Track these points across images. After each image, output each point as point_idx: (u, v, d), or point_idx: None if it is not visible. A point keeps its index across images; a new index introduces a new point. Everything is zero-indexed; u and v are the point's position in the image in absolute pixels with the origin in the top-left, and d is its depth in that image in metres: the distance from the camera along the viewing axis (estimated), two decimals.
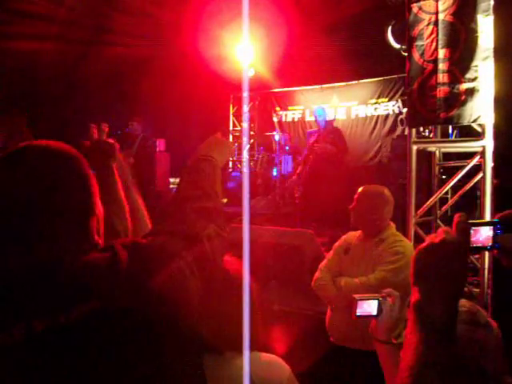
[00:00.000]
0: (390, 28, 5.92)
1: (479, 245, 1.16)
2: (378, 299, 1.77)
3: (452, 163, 5.35)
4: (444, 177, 5.81)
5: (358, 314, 1.78)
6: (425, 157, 5.57)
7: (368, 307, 1.77)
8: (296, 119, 11.71)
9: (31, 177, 1.14)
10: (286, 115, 11.90)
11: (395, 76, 9.92)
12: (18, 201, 1.13)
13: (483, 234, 1.16)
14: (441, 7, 4.25)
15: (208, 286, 1.22)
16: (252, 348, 1.55)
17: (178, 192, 1.40)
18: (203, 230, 1.26)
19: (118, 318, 1.07)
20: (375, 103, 10.57)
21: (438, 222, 4.99)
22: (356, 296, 1.79)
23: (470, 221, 1.11)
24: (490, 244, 1.16)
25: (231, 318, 1.55)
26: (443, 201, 5.28)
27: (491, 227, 1.16)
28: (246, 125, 12.24)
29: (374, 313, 1.77)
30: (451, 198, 5.40)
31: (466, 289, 4.33)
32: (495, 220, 1.18)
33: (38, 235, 1.12)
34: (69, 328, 1.04)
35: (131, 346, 1.07)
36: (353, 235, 3.35)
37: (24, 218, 1.12)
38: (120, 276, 1.09)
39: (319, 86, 11.36)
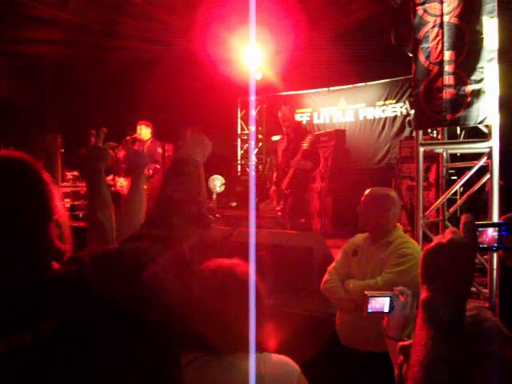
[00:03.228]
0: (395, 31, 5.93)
1: (485, 245, 1.20)
2: (389, 296, 1.78)
3: (459, 164, 5.36)
4: (453, 178, 5.82)
5: (369, 310, 1.79)
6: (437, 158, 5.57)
7: (380, 304, 1.78)
8: (304, 122, 11.74)
9: None
10: None
11: (402, 77, 9.94)
12: None
13: (489, 235, 1.19)
14: (446, 9, 4.26)
15: (187, 288, 1.23)
16: (258, 348, 1.57)
17: (163, 196, 1.39)
18: (184, 234, 1.26)
19: (84, 330, 1.05)
20: (383, 105, 10.58)
21: (447, 223, 5.00)
22: (367, 293, 1.79)
23: (477, 222, 1.15)
24: (495, 245, 1.19)
25: (236, 320, 1.58)
26: (453, 202, 5.28)
27: (496, 228, 1.19)
28: (253, 128, 12.27)
29: (386, 310, 1.77)
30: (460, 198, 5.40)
31: (474, 289, 4.33)
32: (500, 221, 1.21)
33: None
34: (35, 347, 1.00)
35: (101, 357, 1.05)
36: (360, 237, 3.37)
37: None
38: (85, 290, 1.08)
39: (327, 89, 11.39)
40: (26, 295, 1.05)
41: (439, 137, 5.43)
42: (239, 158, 12.95)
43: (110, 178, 7.86)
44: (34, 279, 1.08)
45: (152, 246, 1.19)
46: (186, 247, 1.24)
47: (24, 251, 1.11)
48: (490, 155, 4.22)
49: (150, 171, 7.33)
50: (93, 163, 1.96)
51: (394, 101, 10.39)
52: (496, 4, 4.07)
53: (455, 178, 5.90)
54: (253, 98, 12.16)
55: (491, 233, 1.19)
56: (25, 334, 1.00)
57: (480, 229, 1.18)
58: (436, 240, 1.12)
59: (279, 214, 6.94)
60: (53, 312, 1.03)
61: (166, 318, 1.17)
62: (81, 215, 8.84)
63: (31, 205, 1.16)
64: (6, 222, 1.11)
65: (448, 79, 4.25)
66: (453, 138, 6.16)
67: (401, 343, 1.48)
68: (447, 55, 4.26)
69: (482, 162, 4.34)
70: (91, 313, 1.06)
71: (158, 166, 7.56)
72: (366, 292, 1.79)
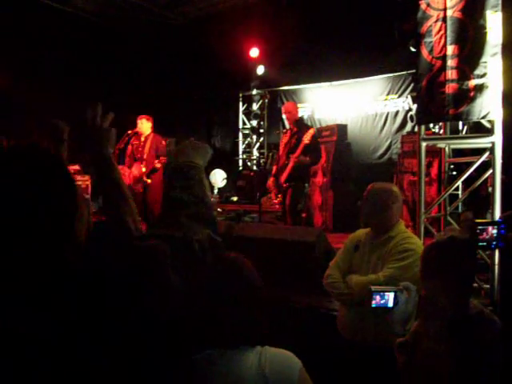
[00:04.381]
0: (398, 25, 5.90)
1: (484, 243, 1.20)
2: (394, 291, 1.78)
3: (460, 159, 5.35)
4: (455, 173, 5.81)
5: (373, 305, 1.78)
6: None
7: (384, 299, 1.78)
8: (306, 116, 11.71)
9: (13, 183, 1.11)
10: None
11: (405, 72, 9.90)
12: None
13: (489, 233, 1.19)
14: (449, 3, 4.25)
15: (193, 284, 1.25)
16: (260, 342, 1.57)
17: (170, 197, 1.42)
18: (194, 234, 1.30)
19: (100, 326, 1.06)
20: (385, 100, 10.55)
21: (448, 218, 4.99)
22: (372, 287, 1.79)
23: (477, 220, 1.15)
24: (493, 243, 1.20)
25: (237, 312, 1.57)
26: (455, 197, 5.27)
27: (495, 226, 1.19)
28: (254, 123, 12.26)
29: (390, 304, 1.77)
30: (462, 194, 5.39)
31: (476, 285, 4.33)
32: (499, 220, 1.22)
33: (21, 244, 1.09)
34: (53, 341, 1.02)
35: (114, 353, 1.07)
36: (362, 232, 3.36)
37: (7, 226, 1.09)
38: (103, 287, 1.09)
39: (329, 83, 11.35)
40: (48, 289, 1.06)
41: (441, 132, 5.42)
42: (241, 152, 12.95)
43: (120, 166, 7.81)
44: (55, 274, 1.09)
45: (162, 244, 1.21)
46: (196, 245, 1.26)
47: (47, 246, 1.11)
48: (492, 150, 4.21)
49: (159, 165, 7.32)
50: (96, 149, 1.63)
51: (396, 95, 10.36)
52: None
53: (455, 173, 5.89)
54: (254, 92, 12.15)
55: (491, 230, 1.20)
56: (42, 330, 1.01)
57: (480, 227, 1.18)
58: (436, 237, 1.13)
59: (277, 206, 6.96)
60: (72, 307, 1.04)
61: (176, 315, 1.19)
62: None
63: (64, 205, 1.16)
64: (39, 223, 1.11)
65: (451, 74, 4.24)
66: (455, 133, 6.14)
67: (398, 340, 1.48)
68: (450, 50, 4.24)
69: (485, 157, 4.33)
70: (108, 309, 1.07)
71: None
72: (371, 287, 1.79)
